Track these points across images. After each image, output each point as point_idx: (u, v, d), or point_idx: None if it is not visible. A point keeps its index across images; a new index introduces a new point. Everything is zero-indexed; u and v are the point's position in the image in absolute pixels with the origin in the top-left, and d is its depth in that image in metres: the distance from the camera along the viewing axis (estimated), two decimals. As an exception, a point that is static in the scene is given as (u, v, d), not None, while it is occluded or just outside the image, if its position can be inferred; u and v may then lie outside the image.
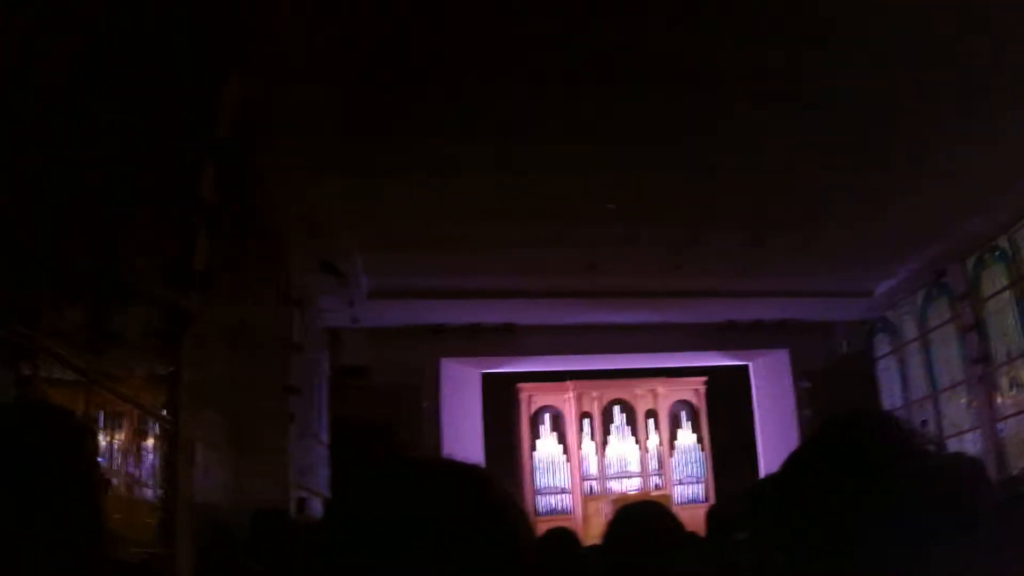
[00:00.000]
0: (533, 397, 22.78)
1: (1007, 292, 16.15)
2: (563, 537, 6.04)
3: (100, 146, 6.52)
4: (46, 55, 5.54)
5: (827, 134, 11.72)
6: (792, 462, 1.84)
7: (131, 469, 7.21)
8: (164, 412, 7.93)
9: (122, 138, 6.94)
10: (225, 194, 9.47)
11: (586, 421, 22.76)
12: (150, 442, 7.61)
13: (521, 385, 22.67)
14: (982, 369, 16.65)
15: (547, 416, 22.70)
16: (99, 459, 5.79)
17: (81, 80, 6.02)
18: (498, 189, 12.54)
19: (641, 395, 23.15)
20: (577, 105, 10.81)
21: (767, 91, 10.70)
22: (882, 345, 20.82)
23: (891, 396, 20.12)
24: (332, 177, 11.68)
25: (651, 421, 22.96)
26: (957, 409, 17.83)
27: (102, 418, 6.56)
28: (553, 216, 13.29)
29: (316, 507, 14.12)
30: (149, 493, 7.49)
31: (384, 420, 16.70)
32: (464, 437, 18.86)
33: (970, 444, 16.67)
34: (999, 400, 16.39)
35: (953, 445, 16.68)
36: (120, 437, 6.98)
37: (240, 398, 10.59)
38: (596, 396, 22.94)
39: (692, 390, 23.50)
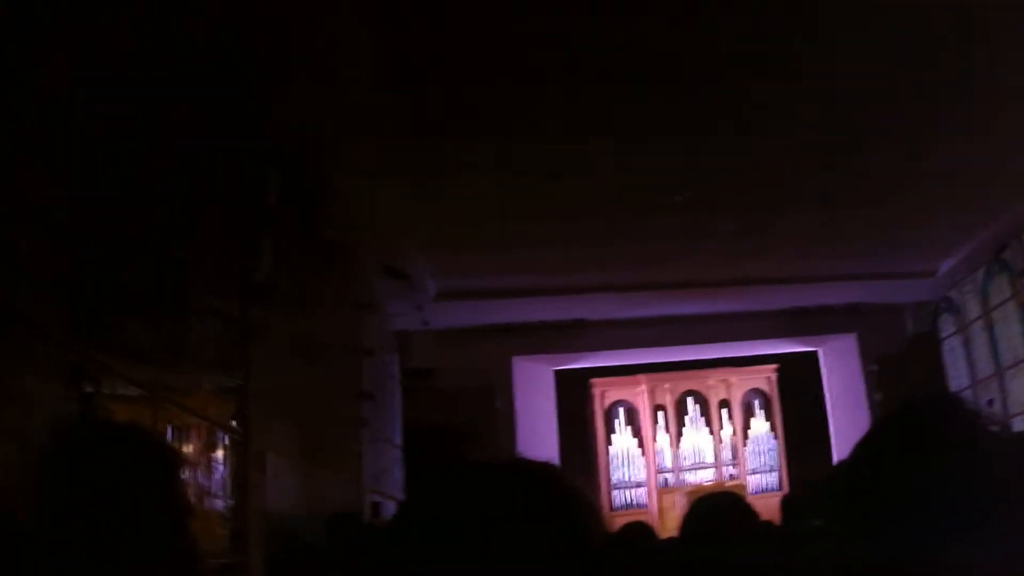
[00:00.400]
0: (606, 392, 22.54)
1: (1067, 265, 15.90)
2: (639, 531, 6.01)
3: (161, 161, 6.58)
4: (106, 71, 5.59)
5: (888, 115, 11.54)
6: (862, 448, 1.82)
7: (201, 481, 7.27)
8: (233, 423, 7.99)
9: (182, 152, 6.99)
10: (288, 203, 9.53)
11: (660, 414, 22.41)
12: (219, 453, 7.68)
13: (594, 380, 22.37)
14: (1045, 346, 16.41)
15: (621, 410, 22.46)
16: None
17: (141, 95, 6.07)
18: (563, 186, 12.44)
19: (714, 385, 22.82)
20: (645, 99, 10.72)
21: (828, 75, 10.56)
22: (947, 325, 20.46)
23: (957, 376, 19.78)
24: (394, 180, 11.66)
25: (724, 411, 22.60)
26: (1022, 387, 17.57)
27: (170, 432, 6.62)
28: (620, 210, 13.22)
29: (391, 510, 14.17)
30: (219, 504, 7.56)
31: (457, 422, 16.73)
32: (539, 435, 18.83)
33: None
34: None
35: (1019, 424, 16.38)
36: (189, 450, 7.05)
37: (312, 405, 10.66)
38: (669, 388, 22.59)
39: (764, 378, 23.14)
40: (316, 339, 11.08)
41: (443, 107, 10.56)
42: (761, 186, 12.80)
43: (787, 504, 7.09)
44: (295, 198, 10.12)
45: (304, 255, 10.72)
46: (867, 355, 20.60)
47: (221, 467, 7.72)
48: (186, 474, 6.67)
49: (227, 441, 7.88)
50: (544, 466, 1.50)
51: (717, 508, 3.56)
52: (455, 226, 13.69)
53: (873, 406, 19.51)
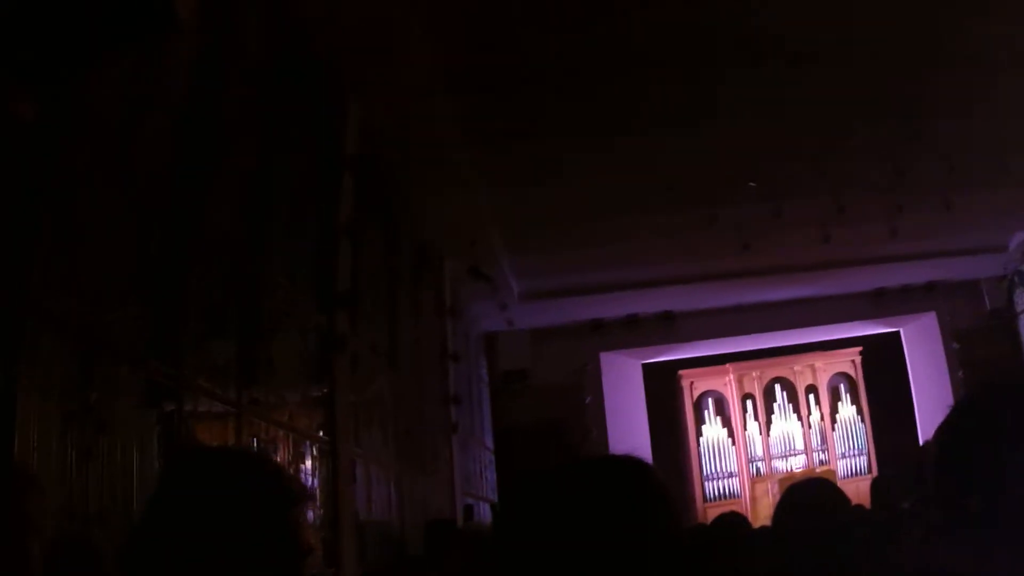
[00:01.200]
0: (695, 383, 22.48)
1: None
2: (733, 521, 5.95)
3: (236, 175, 6.59)
4: (177, 89, 5.60)
5: (956, 89, 11.34)
6: (944, 431, 1.81)
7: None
8: (321, 433, 8.00)
9: (257, 165, 7.01)
10: (365, 211, 9.55)
11: (748, 402, 22.37)
12: (308, 464, 7.69)
13: (682, 372, 22.35)
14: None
15: (710, 401, 22.38)
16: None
17: (214, 109, 6.08)
18: (640, 179, 12.39)
19: (800, 371, 22.66)
20: (715, 89, 10.64)
21: (896, 52, 10.40)
22: (1022, 299, 20.13)
23: (1039, 349, 19.43)
24: (473, 184, 11.68)
25: (811, 396, 22.47)
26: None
27: (255, 445, 6.63)
28: (699, 201, 13.13)
29: (484, 512, 14.19)
30: (311, 515, 7.56)
31: (547, 421, 16.73)
32: (630, 430, 18.75)
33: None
34: None
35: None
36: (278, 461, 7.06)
37: (400, 412, 10.69)
38: (756, 376, 22.53)
39: (849, 361, 22.93)
40: (402, 345, 11.11)
41: (518, 110, 10.56)
42: (835, 171, 12.63)
43: (876, 487, 7.18)
44: (374, 207, 10.15)
45: (386, 262, 10.75)
46: (947, 332, 20.40)
47: (311, 478, 7.73)
48: (308, 510, 6.68)
49: (316, 452, 7.89)
50: (631, 462, 1.52)
51: (809, 495, 3.55)
52: (535, 225, 13.69)
53: (956, 384, 19.25)
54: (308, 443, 7.74)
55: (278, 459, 7.08)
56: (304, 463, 7.61)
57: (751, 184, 12.45)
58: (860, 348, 22.80)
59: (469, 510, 12.88)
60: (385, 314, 10.58)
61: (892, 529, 5.49)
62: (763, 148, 11.97)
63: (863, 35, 9.90)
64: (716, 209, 13.23)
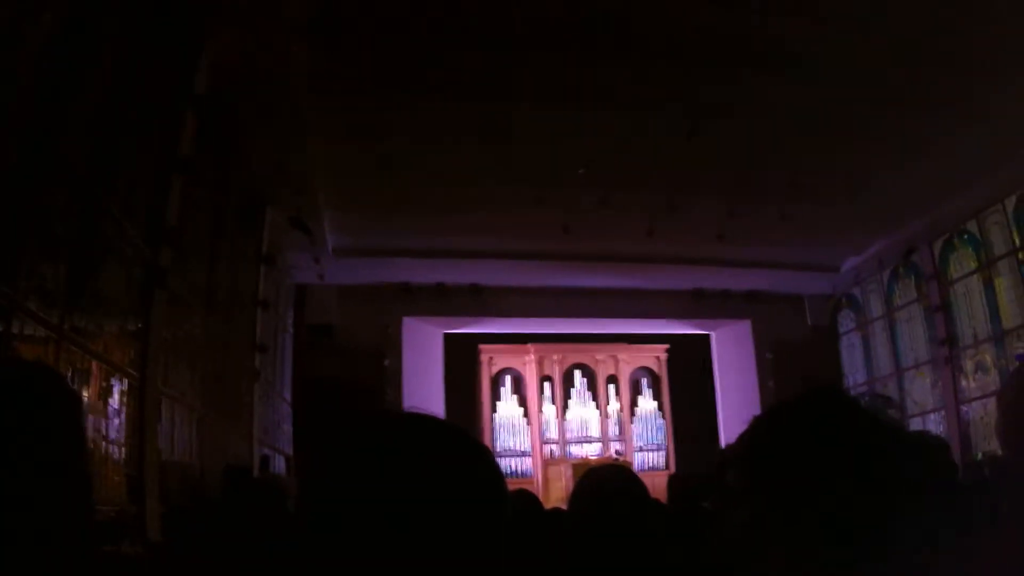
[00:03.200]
0: (494, 359, 22.69)
1: (975, 276, 16.35)
2: (525, 500, 5.96)
3: (81, 104, 6.43)
4: (24, 14, 5.44)
5: (810, 109, 11.80)
6: (758, 431, 1.79)
7: (99, 426, 7.14)
8: (132, 369, 7.85)
9: (103, 95, 6.84)
10: (203, 151, 9.39)
11: (547, 384, 22.68)
12: (118, 399, 7.54)
13: (483, 346, 22.54)
14: (948, 350, 16.83)
15: (508, 378, 22.62)
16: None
17: (63, 38, 5.92)
18: (473, 151, 12.49)
19: (602, 360, 23.10)
20: (557, 70, 10.82)
21: (752, 61, 10.75)
22: (846, 321, 21.03)
23: (854, 372, 20.39)
24: (308, 135, 11.58)
25: (612, 387, 22.93)
26: (921, 389, 18.03)
27: (71, 375, 6.49)
28: (528, 179, 13.26)
29: (279, 464, 14.11)
30: (117, 451, 7.43)
31: (347, 379, 16.68)
32: (426, 397, 18.80)
33: (933, 425, 16.84)
34: (964, 383, 16.58)
35: (916, 424, 16.86)
36: (88, 394, 6.92)
37: (211, 355, 10.54)
38: (557, 360, 22.84)
39: (654, 357, 23.47)
40: (220, 288, 10.96)
41: (366, 68, 10.56)
42: (675, 169, 12.93)
43: (675, 483, 7.15)
44: (212, 148, 9.98)
45: (214, 204, 10.57)
46: (761, 342, 21.04)
47: (119, 413, 7.58)
48: (86, 416, 6.56)
49: (126, 387, 7.74)
50: (436, 419, 1.49)
51: (609, 479, 3.55)
52: (363, 184, 13.67)
53: (766, 393, 19.90)
54: (119, 377, 7.58)
55: (90, 391, 6.95)
56: (112, 397, 7.46)
57: (581, 171, 12.61)
58: (667, 346, 23.32)
59: (265, 460, 12.79)
60: (206, 255, 10.41)
61: (690, 525, 5.66)
62: (599, 136, 12.16)
63: (712, 30, 10.23)
64: (543, 190, 13.37)
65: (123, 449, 7.56)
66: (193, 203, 9.42)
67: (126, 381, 7.70)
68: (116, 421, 7.49)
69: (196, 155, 9.04)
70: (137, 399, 7.90)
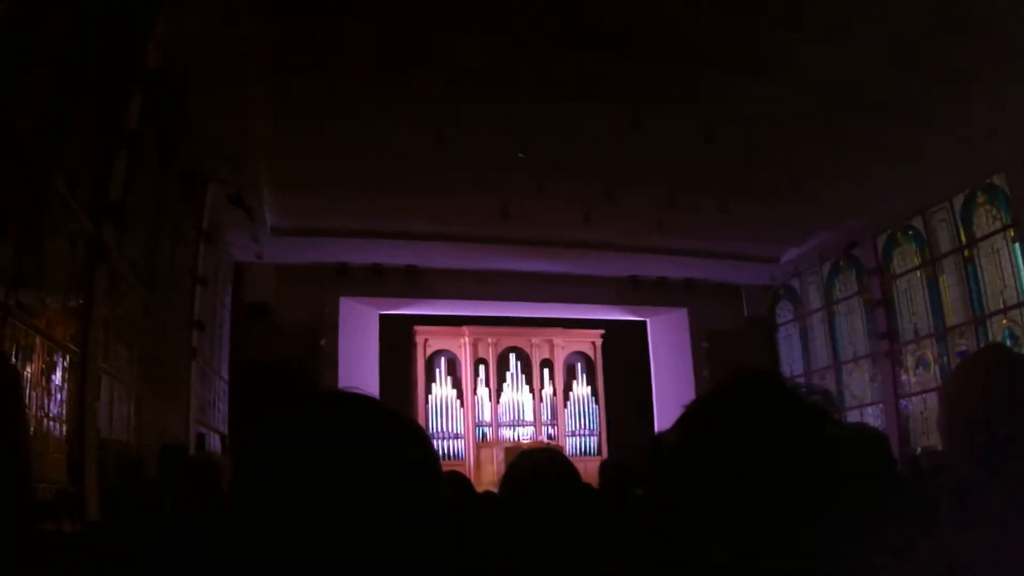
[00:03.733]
0: (429, 340, 22.58)
1: (918, 272, 16.60)
2: (457, 481, 5.91)
3: (30, 76, 6.36)
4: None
5: (755, 104, 11.91)
6: (690, 417, 1.73)
7: (42, 403, 7.08)
8: (74, 346, 7.78)
9: (52, 68, 6.76)
10: (149, 126, 9.30)
11: (481, 367, 22.65)
12: (60, 376, 7.47)
13: (418, 328, 22.40)
14: (888, 345, 17.09)
15: (443, 360, 22.54)
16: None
17: (15, 9, 5.84)
18: (413, 134, 12.42)
19: (537, 344, 23.12)
20: (500, 53, 10.84)
21: (697, 56, 10.85)
22: (784, 312, 21.29)
23: (791, 363, 20.56)
24: (252, 115, 11.49)
25: (546, 371, 22.95)
26: (859, 382, 18.31)
27: (16, 351, 6.43)
28: (467, 163, 13.24)
29: (215, 443, 14.02)
30: (57, 428, 7.36)
31: (283, 358, 16.60)
32: (361, 377, 18.66)
33: (871, 418, 17.06)
34: (903, 377, 16.84)
35: (854, 417, 17.07)
36: (32, 370, 6.86)
37: (149, 333, 10.46)
38: (492, 343, 22.86)
39: (589, 342, 23.51)
40: (161, 265, 10.87)
41: (305, 51, 10.53)
42: (615, 156, 13.00)
43: (606, 469, 7.11)
44: (159, 123, 9.89)
45: (157, 181, 10.48)
46: (697, 330, 21.19)
47: (60, 390, 7.51)
48: (26, 392, 6.49)
49: (67, 363, 7.67)
50: (371, 398, 1.45)
51: (541, 463, 3.53)
52: (303, 163, 13.57)
53: (700, 380, 20.05)
54: (62, 353, 7.51)
55: (34, 367, 6.88)
56: (55, 373, 7.39)
57: (520, 155, 12.62)
58: (603, 331, 23.35)
59: (202, 439, 12.71)
60: (148, 232, 10.33)
61: (621, 512, 5.69)
62: (539, 122, 12.18)
63: (658, 23, 10.31)
64: (482, 173, 13.38)
65: (64, 427, 7.50)
66: (136, 179, 9.33)
67: (68, 358, 7.64)
68: (58, 397, 7.43)
69: (141, 130, 8.96)
70: (78, 376, 7.83)
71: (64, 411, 7.54)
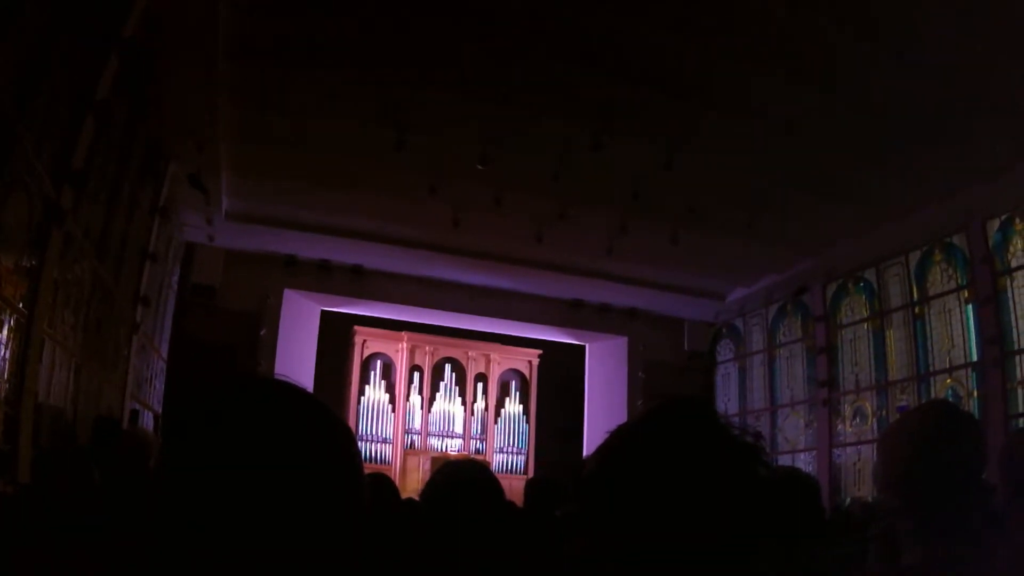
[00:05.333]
0: (368, 342, 22.53)
1: (866, 323, 16.81)
2: (382, 484, 5.89)
3: (7, 33, 6.34)
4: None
5: (717, 137, 12.07)
6: (615, 441, 1.72)
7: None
8: (21, 306, 7.74)
9: (29, 29, 6.74)
10: (119, 96, 9.27)
11: (416, 374, 22.62)
12: (5, 335, 7.42)
13: (358, 328, 22.41)
14: (827, 393, 17.28)
15: (379, 363, 22.49)
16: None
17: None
18: (375, 132, 12.42)
19: (474, 357, 23.17)
20: (470, 62, 10.97)
21: (664, 79, 11.01)
22: (725, 350, 21.40)
23: (727, 401, 20.64)
24: (220, 95, 11.48)
25: (480, 385, 23.03)
26: (794, 427, 18.42)
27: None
28: (425, 167, 13.31)
29: (147, 420, 13.93)
30: (-3, 388, 7.32)
31: (223, 343, 16.56)
32: (297, 371, 18.57)
33: (802, 464, 17.15)
34: (840, 426, 17.00)
35: (786, 462, 17.13)
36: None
37: (96, 302, 10.40)
38: (429, 351, 22.83)
39: (526, 361, 23.63)
40: (114, 236, 10.81)
41: (280, 38, 10.58)
42: (572, 178, 13.08)
43: (531, 488, 7.14)
44: (129, 92, 9.85)
45: (120, 151, 10.43)
46: (636, 360, 21.32)
47: (3, 349, 7.45)
48: None
49: (12, 324, 7.62)
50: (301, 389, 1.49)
51: (465, 474, 3.53)
52: (264, 150, 13.57)
53: (633, 411, 19.99)
54: (9, 313, 7.46)
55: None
56: (1, 332, 7.34)
57: (479, 166, 12.67)
58: (541, 351, 23.48)
59: (135, 415, 12.62)
60: (105, 201, 10.27)
61: (541, 531, 5.74)
62: (501, 135, 12.28)
63: (625, 45, 10.48)
64: (438, 179, 13.45)
65: (3, 387, 7.44)
66: (101, 147, 9.30)
67: (14, 318, 7.59)
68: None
69: (111, 99, 8.93)
70: (22, 338, 7.78)
71: (5, 371, 7.48)
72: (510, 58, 10.81)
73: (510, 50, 10.68)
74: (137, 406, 13.05)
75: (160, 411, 15.19)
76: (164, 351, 15.99)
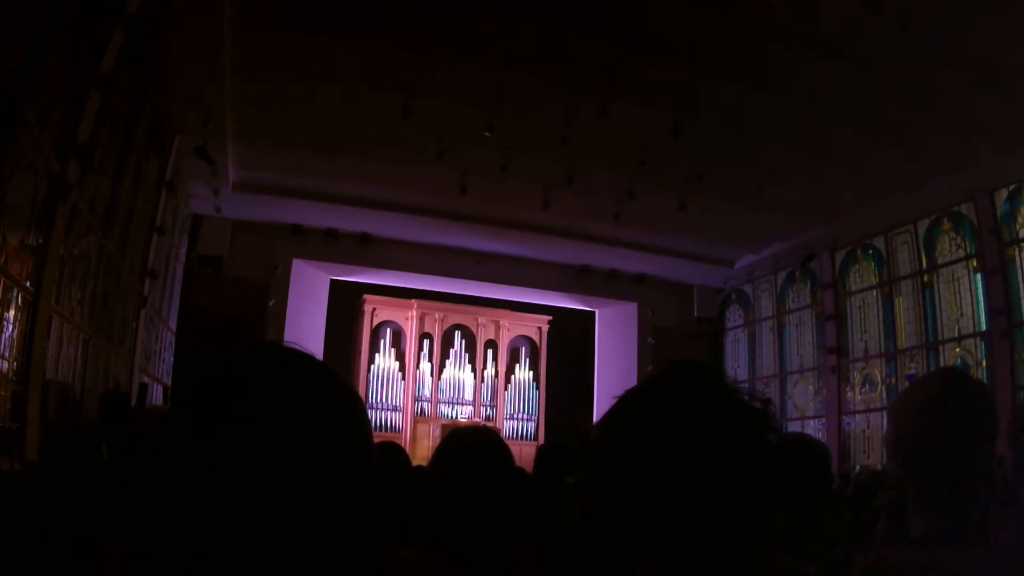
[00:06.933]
0: (377, 310, 22.53)
1: (875, 291, 16.77)
2: (392, 450, 5.85)
3: (11, 7, 6.28)
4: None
5: (729, 102, 11.99)
6: (622, 406, 1.68)
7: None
8: (28, 284, 7.71)
9: (32, 2, 6.69)
10: (123, 69, 9.21)
11: (426, 342, 22.64)
12: (12, 313, 7.40)
13: (367, 296, 22.41)
14: (836, 360, 17.25)
15: (388, 331, 22.50)
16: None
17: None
18: (382, 98, 12.37)
19: (484, 324, 23.17)
20: (475, 27, 10.90)
21: (673, 46, 10.94)
22: (734, 316, 21.44)
23: (736, 368, 20.66)
24: (225, 65, 11.40)
25: (490, 352, 23.02)
26: (803, 394, 18.48)
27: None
28: (431, 134, 13.26)
29: (157, 393, 13.94)
30: (4, 365, 7.29)
31: (231, 314, 16.56)
32: (306, 340, 18.09)
33: (812, 431, 17.08)
34: (848, 394, 17.00)
35: (795, 428, 17.15)
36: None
37: (103, 276, 10.37)
38: (439, 318, 22.85)
39: (535, 327, 23.59)
40: (117, 209, 10.76)
41: (284, 5, 10.49)
42: (580, 143, 13.01)
43: (542, 455, 7.14)
44: (134, 66, 9.79)
45: (126, 125, 10.37)
46: (645, 326, 21.30)
47: (9, 327, 7.43)
48: None
49: (20, 301, 7.59)
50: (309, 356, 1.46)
51: (474, 440, 3.51)
52: (271, 121, 13.51)
53: (643, 376, 19.98)
54: (17, 291, 7.44)
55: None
56: (8, 311, 7.31)
57: (486, 133, 12.61)
58: (550, 317, 23.39)
59: (144, 388, 12.60)
60: (111, 175, 10.22)
61: (553, 499, 5.70)
62: (508, 101, 12.21)
63: (634, 13, 10.38)
64: (446, 146, 13.38)
65: (11, 365, 7.42)
66: (106, 121, 9.25)
67: (21, 296, 7.56)
68: (6, 335, 7.36)
69: (116, 72, 8.87)
70: (29, 315, 7.76)
71: (13, 349, 7.46)
72: (517, 23, 10.71)
73: (517, 14, 10.58)
74: (146, 379, 13.05)
75: (169, 383, 15.20)
76: (172, 323, 15.98)
